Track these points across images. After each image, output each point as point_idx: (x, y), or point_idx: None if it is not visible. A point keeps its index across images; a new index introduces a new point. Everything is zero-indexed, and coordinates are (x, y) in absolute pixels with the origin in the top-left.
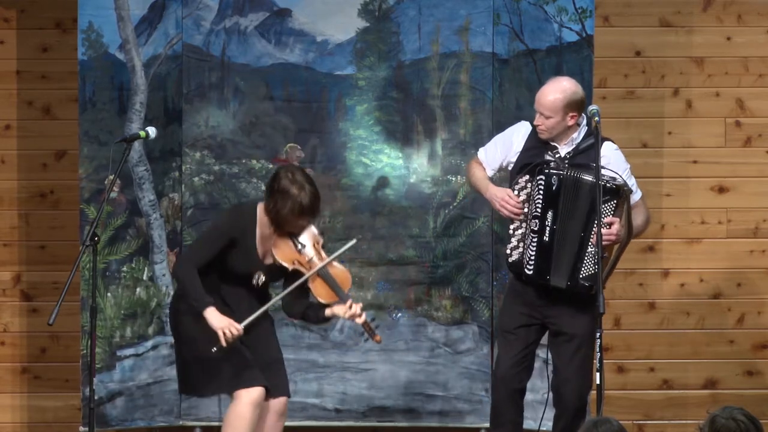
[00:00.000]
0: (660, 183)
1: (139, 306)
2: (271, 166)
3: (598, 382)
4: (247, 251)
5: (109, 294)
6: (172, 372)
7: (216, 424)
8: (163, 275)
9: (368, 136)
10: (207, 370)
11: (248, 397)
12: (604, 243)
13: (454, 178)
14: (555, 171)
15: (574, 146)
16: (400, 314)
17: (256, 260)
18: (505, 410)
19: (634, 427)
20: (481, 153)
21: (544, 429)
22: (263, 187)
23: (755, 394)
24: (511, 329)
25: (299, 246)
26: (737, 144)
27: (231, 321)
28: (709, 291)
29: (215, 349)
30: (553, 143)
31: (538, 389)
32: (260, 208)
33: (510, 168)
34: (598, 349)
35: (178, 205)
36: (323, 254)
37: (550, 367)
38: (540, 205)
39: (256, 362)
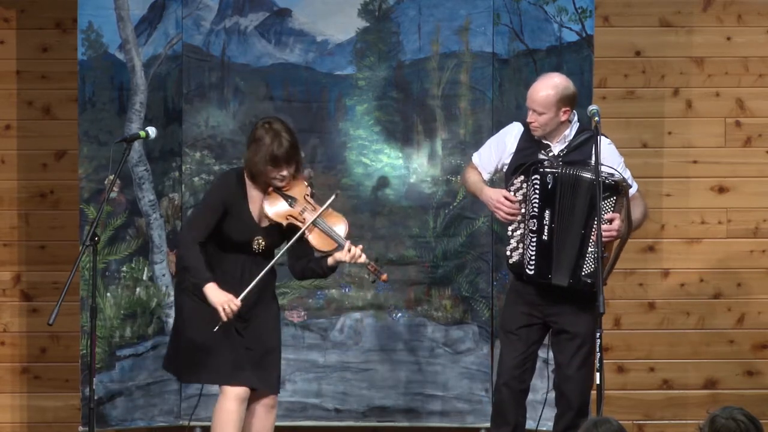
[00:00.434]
0: (660, 183)
1: (139, 306)
2: None
3: (598, 382)
4: (242, 217)
5: (108, 294)
6: None
7: None
8: (163, 275)
9: (368, 136)
10: (197, 358)
11: (233, 392)
12: (605, 239)
13: (454, 178)
14: (549, 169)
15: (566, 143)
16: (400, 314)
17: (253, 225)
18: (507, 411)
19: (634, 427)
20: (476, 158)
21: (543, 429)
22: None
23: (755, 394)
24: (512, 329)
25: (289, 200)
26: (737, 144)
27: (230, 297)
28: (709, 291)
29: (217, 327)
30: (545, 141)
31: (538, 389)
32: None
33: (505, 170)
34: (598, 349)
35: (178, 205)
36: (315, 205)
37: (551, 367)
38: (537, 205)
39: (249, 356)
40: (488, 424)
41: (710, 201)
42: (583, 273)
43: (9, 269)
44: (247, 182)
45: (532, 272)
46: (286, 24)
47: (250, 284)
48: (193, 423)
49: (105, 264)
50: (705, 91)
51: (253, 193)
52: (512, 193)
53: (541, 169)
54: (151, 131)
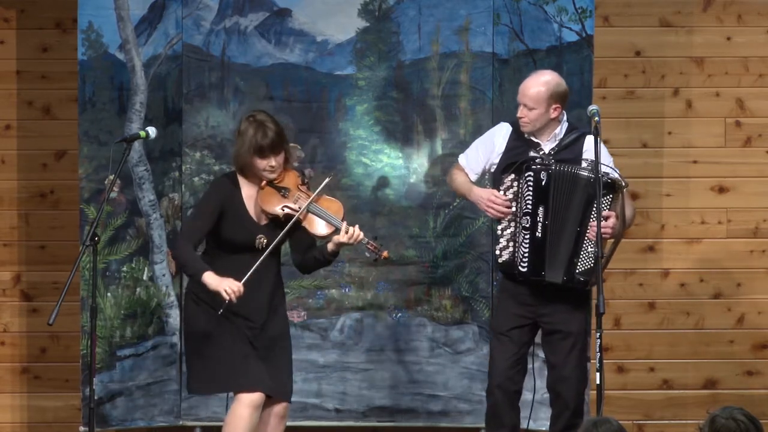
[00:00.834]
0: (660, 183)
1: (139, 306)
2: None
3: (598, 382)
4: (241, 217)
5: (109, 294)
6: (172, 372)
7: (216, 424)
8: (163, 275)
9: (368, 136)
10: (209, 368)
11: (248, 399)
12: (603, 236)
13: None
14: (543, 166)
15: (557, 142)
16: (400, 314)
17: (252, 224)
18: (503, 413)
19: (634, 427)
20: (462, 159)
21: (534, 428)
22: None
23: (755, 394)
24: (504, 331)
25: (282, 191)
26: (737, 144)
27: (229, 279)
28: (709, 291)
29: (221, 311)
30: (535, 140)
31: (537, 389)
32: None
33: (493, 170)
34: (598, 349)
35: (178, 205)
36: (309, 192)
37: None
38: (530, 202)
39: (261, 364)
40: (484, 426)
41: (710, 201)
42: (577, 270)
43: (9, 269)
44: (241, 182)
45: (525, 269)
46: (286, 24)
47: (257, 282)
48: (192, 423)
49: (105, 264)
50: (705, 91)
51: (249, 192)
52: (503, 192)
53: (534, 167)
54: (151, 131)
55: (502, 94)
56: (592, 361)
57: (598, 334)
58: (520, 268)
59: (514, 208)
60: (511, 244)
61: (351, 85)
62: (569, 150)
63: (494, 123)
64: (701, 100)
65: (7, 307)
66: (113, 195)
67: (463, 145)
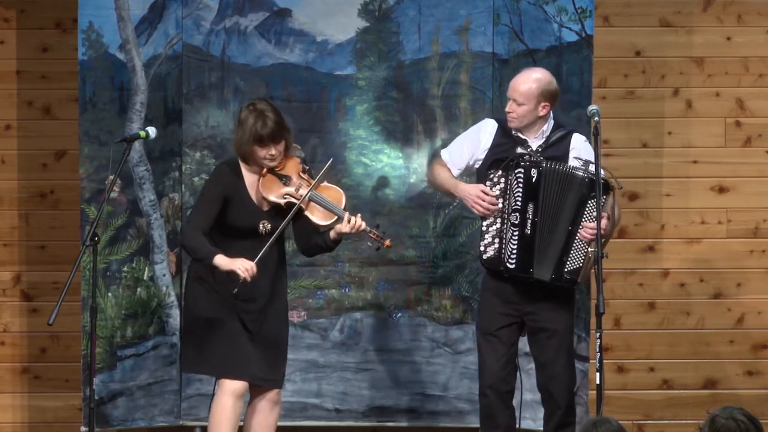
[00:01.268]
0: (660, 183)
1: (140, 306)
2: None
3: (598, 382)
4: (244, 204)
5: (109, 294)
6: (172, 372)
7: None
8: (164, 275)
9: (368, 136)
10: (201, 349)
11: (230, 387)
12: (591, 238)
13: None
14: (533, 163)
15: (544, 139)
16: (400, 314)
17: (256, 210)
18: (497, 414)
19: (634, 427)
20: (445, 154)
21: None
22: None
23: (755, 394)
24: (492, 331)
25: (284, 179)
26: (737, 144)
27: (242, 259)
28: (709, 291)
29: (236, 290)
30: (522, 137)
31: (527, 388)
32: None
33: (477, 166)
34: (598, 349)
35: (178, 205)
36: (310, 180)
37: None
38: (520, 199)
39: (256, 351)
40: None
41: (710, 201)
42: (566, 269)
43: (9, 269)
44: (243, 169)
45: (513, 266)
46: (286, 24)
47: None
48: (192, 423)
49: (106, 264)
50: (705, 91)
51: (251, 179)
52: (490, 188)
53: (524, 163)
54: (151, 131)
55: (502, 94)
56: (591, 361)
57: (598, 334)
58: (507, 264)
59: (501, 205)
60: (496, 240)
61: (351, 85)
62: (556, 147)
63: None
64: (701, 100)
65: (7, 307)
66: (114, 195)
67: None
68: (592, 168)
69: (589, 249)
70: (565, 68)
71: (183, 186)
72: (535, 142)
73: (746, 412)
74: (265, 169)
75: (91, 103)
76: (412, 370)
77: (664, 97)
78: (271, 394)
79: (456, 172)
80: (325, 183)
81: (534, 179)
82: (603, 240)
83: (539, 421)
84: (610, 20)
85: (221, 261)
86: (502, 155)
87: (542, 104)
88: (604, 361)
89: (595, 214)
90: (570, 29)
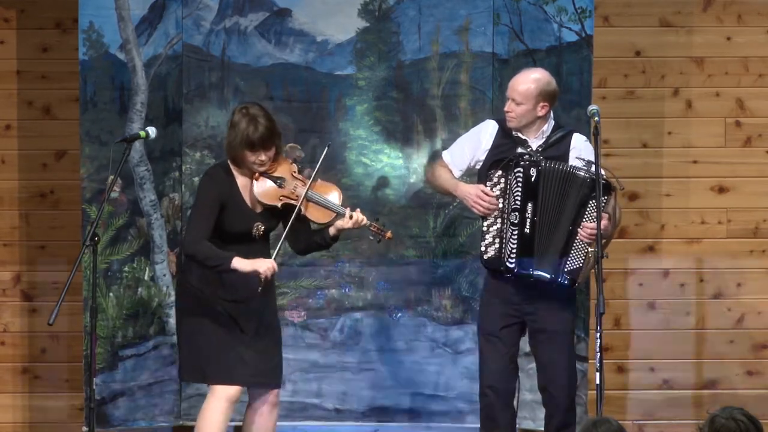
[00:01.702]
0: (660, 183)
1: (141, 306)
2: None
3: (598, 382)
4: (239, 207)
5: (111, 294)
6: (173, 372)
7: None
8: (164, 275)
9: (368, 136)
10: (195, 357)
11: (224, 392)
12: (591, 238)
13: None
14: (532, 163)
15: (544, 139)
16: (400, 314)
17: (249, 213)
18: (497, 414)
19: (634, 427)
20: (446, 155)
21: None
22: None
23: (755, 394)
24: (493, 331)
25: (278, 181)
26: (737, 144)
27: (259, 259)
28: (709, 291)
29: (260, 288)
30: (522, 137)
31: (528, 389)
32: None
33: (478, 167)
34: (598, 349)
35: (178, 205)
36: (304, 180)
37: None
38: (519, 198)
39: (253, 354)
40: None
41: (710, 201)
42: (566, 269)
43: (9, 269)
44: (235, 172)
45: (513, 265)
46: (286, 24)
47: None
48: (192, 423)
49: (107, 264)
50: (705, 91)
51: (243, 181)
52: (490, 188)
53: (523, 163)
54: (151, 131)
55: (502, 94)
56: (591, 361)
57: (598, 334)
58: (507, 264)
59: (501, 205)
60: (497, 240)
61: (351, 85)
62: (556, 147)
63: None
64: (701, 100)
65: (7, 307)
66: (114, 195)
67: None
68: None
69: (590, 249)
70: (565, 68)
71: (183, 186)
72: (535, 142)
73: (746, 412)
74: (257, 173)
75: (92, 103)
76: (412, 370)
77: (664, 97)
78: (271, 396)
79: (457, 173)
80: (320, 181)
81: (533, 178)
82: (604, 241)
83: (539, 421)
84: (610, 20)
85: (240, 264)
86: (503, 156)
87: (541, 104)
88: (604, 361)
89: (594, 214)
90: (570, 29)
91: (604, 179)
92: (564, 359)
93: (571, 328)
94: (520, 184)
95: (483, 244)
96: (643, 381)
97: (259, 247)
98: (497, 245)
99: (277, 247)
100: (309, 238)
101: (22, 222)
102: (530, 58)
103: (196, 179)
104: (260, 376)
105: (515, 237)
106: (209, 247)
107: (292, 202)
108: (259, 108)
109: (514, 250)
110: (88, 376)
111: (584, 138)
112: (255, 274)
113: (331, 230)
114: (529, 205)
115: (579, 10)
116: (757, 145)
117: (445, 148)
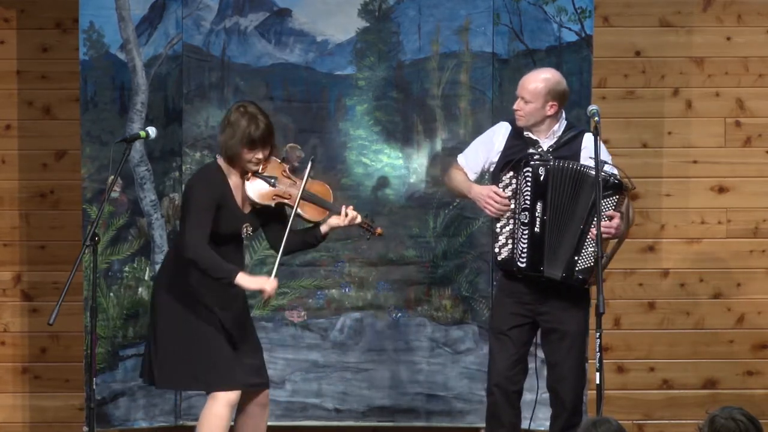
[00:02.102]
0: (660, 183)
1: (141, 306)
2: None
3: (598, 382)
4: (231, 208)
5: (111, 294)
6: None
7: None
8: None
9: (368, 136)
10: (182, 362)
11: (225, 398)
12: (603, 237)
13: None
14: (541, 162)
15: (555, 139)
16: (400, 314)
17: (239, 213)
18: (502, 413)
19: (634, 427)
20: (461, 159)
21: (540, 429)
22: None
23: (755, 394)
24: (504, 330)
25: (272, 181)
26: (737, 144)
27: (262, 278)
28: (709, 291)
29: (265, 303)
30: (534, 137)
31: (532, 389)
32: (221, 162)
33: (492, 169)
34: (597, 349)
35: (178, 205)
36: (296, 179)
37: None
38: (529, 197)
39: (239, 357)
40: (485, 426)
41: (710, 201)
42: (577, 268)
43: (9, 269)
44: (226, 172)
45: (524, 265)
46: (286, 24)
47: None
48: (192, 423)
49: (107, 264)
50: (705, 91)
51: (235, 182)
52: (502, 189)
53: (533, 162)
54: (151, 131)
55: (502, 94)
56: (591, 361)
57: (598, 334)
58: (518, 263)
59: (513, 206)
60: (510, 241)
61: (351, 85)
62: (567, 147)
63: (494, 123)
64: (701, 100)
65: (7, 307)
66: (115, 195)
67: (463, 145)
68: (607, 168)
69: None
70: (565, 68)
71: (183, 186)
72: (546, 142)
73: (746, 412)
74: (249, 173)
75: (92, 103)
76: (412, 370)
77: (664, 97)
78: (262, 397)
79: (472, 176)
80: (311, 180)
81: (542, 177)
82: (617, 240)
83: (539, 421)
84: (610, 20)
85: (244, 280)
86: (514, 156)
87: (550, 103)
88: (604, 361)
89: (607, 213)
90: (570, 29)
91: (616, 179)
92: (573, 360)
93: (584, 329)
94: (529, 184)
95: (496, 245)
96: (643, 381)
97: (237, 247)
98: (510, 246)
99: (277, 260)
100: (302, 238)
101: (22, 222)
102: (530, 58)
103: None
104: (257, 377)
105: (525, 236)
106: (213, 255)
107: (286, 201)
108: (255, 107)
109: (525, 250)
110: (89, 376)
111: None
112: (260, 293)
113: (323, 228)
114: (539, 204)
115: (579, 10)
116: (757, 145)
117: (445, 148)
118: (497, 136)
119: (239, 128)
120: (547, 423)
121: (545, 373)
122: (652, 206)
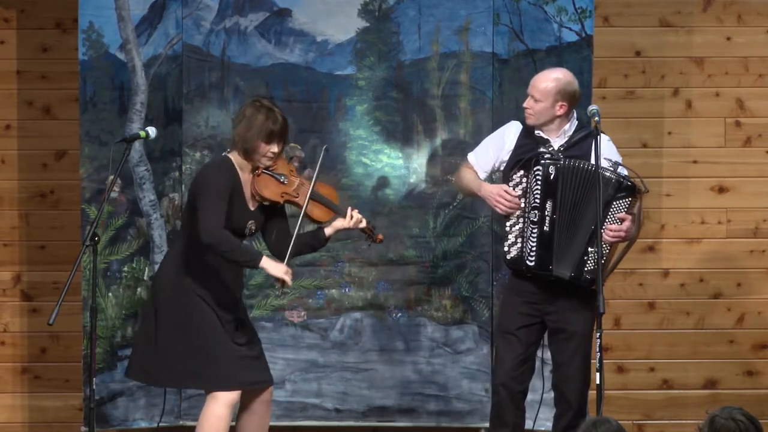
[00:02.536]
0: (660, 183)
1: (140, 306)
2: None
3: (598, 382)
4: (240, 202)
5: (110, 294)
6: None
7: None
8: None
9: (368, 136)
10: (185, 361)
11: (226, 398)
12: (613, 239)
13: (453, 178)
14: (552, 161)
15: (566, 139)
16: (400, 314)
17: (246, 209)
18: (506, 412)
19: (634, 427)
20: (472, 157)
21: (541, 429)
22: None
23: (755, 394)
24: (511, 330)
25: (281, 178)
26: (737, 144)
27: (282, 265)
28: (709, 291)
29: (280, 293)
30: (545, 137)
31: (537, 389)
32: (233, 156)
33: (503, 168)
34: (598, 349)
35: (178, 205)
36: (304, 179)
37: (547, 366)
38: (539, 196)
39: (247, 355)
40: (488, 424)
41: (710, 201)
42: (586, 268)
43: (9, 269)
44: (237, 166)
45: (533, 263)
46: (286, 24)
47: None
48: (192, 423)
49: (106, 264)
50: (705, 91)
51: (246, 177)
52: (513, 188)
53: (543, 161)
54: (151, 131)
55: (502, 94)
56: (591, 361)
57: (598, 334)
58: (528, 262)
59: (523, 204)
60: (519, 240)
61: (351, 85)
62: (578, 147)
63: (494, 123)
64: (701, 100)
65: (7, 307)
66: (114, 195)
67: (463, 145)
68: (620, 169)
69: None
70: (565, 68)
71: (183, 186)
72: (557, 141)
73: (746, 412)
74: (260, 169)
75: (92, 103)
76: (412, 370)
77: (664, 97)
78: (266, 395)
79: (483, 174)
80: (319, 181)
81: (552, 176)
82: (627, 242)
83: (540, 421)
84: (610, 20)
85: (269, 265)
86: (525, 155)
87: (559, 103)
88: (604, 361)
89: (619, 216)
90: (570, 29)
91: (629, 181)
92: (579, 360)
93: (591, 329)
94: (539, 183)
95: (506, 244)
96: (643, 381)
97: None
98: (519, 245)
99: (288, 252)
100: (306, 240)
101: (22, 222)
102: (530, 59)
103: None
104: (259, 376)
105: (535, 235)
106: (234, 238)
107: (294, 199)
108: (270, 101)
109: (534, 248)
110: (88, 376)
111: (607, 137)
112: (277, 282)
113: (328, 230)
114: (549, 203)
115: (579, 10)
116: (757, 145)
117: (444, 148)
118: (508, 134)
119: (257, 121)
120: (549, 423)
121: (548, 373)
122: (652, 206)
